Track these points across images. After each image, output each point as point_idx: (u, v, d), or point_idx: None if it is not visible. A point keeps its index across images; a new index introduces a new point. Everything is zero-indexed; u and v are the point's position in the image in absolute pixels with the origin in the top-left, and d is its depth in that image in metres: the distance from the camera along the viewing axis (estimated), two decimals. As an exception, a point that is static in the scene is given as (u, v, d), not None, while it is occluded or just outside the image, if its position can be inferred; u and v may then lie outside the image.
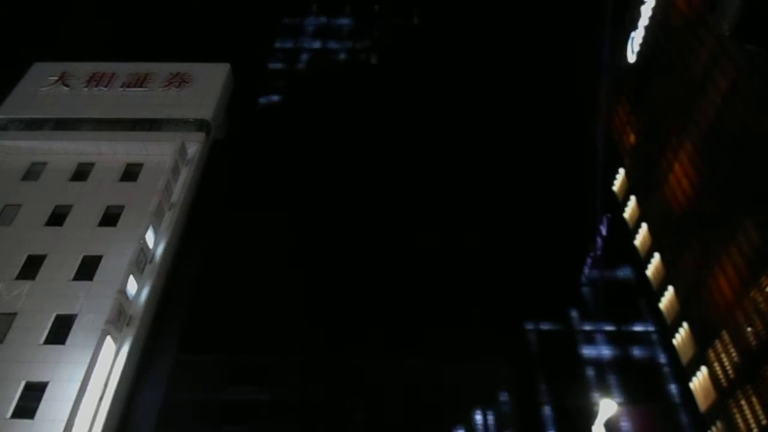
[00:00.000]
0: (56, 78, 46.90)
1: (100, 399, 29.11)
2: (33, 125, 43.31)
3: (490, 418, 30.82)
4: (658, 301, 35.26)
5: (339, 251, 37.94)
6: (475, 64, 53.27)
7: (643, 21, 40.48)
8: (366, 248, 38.13)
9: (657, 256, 36.25)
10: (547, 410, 31.11)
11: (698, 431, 29.85)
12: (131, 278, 33.10)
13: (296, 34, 57.04)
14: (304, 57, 54.29)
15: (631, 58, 42.38)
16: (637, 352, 33.17)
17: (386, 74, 52.40)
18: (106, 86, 46.44)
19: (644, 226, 38.27)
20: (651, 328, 34.04)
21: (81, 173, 40.41)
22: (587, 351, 33.23)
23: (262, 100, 49.67)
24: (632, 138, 42.16)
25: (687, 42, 35.10)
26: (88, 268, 34.25)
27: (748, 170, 28.45)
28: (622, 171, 42.77)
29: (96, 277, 33.80)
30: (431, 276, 36.31)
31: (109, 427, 29.17)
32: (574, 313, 34.85)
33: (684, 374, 31.88)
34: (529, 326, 34.19)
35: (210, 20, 60.64)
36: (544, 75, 51.50)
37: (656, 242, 36.73)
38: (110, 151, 41.35)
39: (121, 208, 37.70)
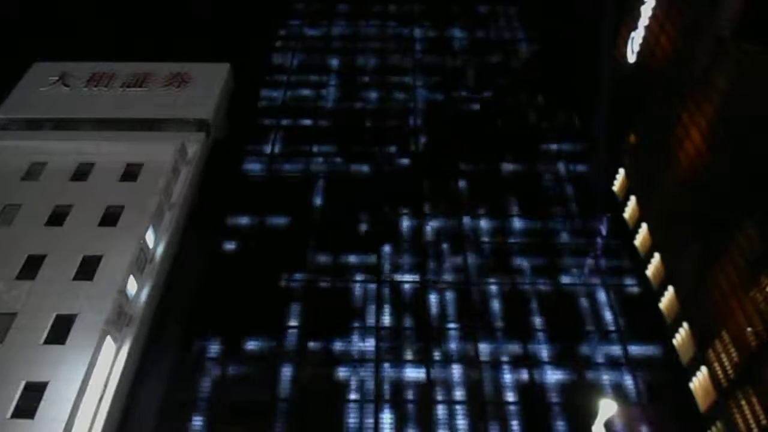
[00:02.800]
0: (56, 78, 46.99)
1: (100, 399, 29.16)
2: (33, 125, 43.40)
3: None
4: (658, 300, 35.27)
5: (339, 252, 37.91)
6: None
7: (643, 21, 40.49)
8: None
9: (657, 256, 36.25)
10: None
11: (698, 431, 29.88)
12: (131, 278, 33.15)
13: (297, 32, 57.14)
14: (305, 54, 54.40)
15: (631, 58, 42.38)
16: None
17: (384, 68, 52.69)
18: (106, 86, 46.55)
19: (644, 226, 38.27)
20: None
21: (81, 173, 40.40)
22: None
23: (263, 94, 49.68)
24: (632, 138, 42.17)
25: (687, 42, 35.11)
26: (88, 268, 34.18)
27: (748, 170, 28.46)
28: (622, 171, 42.78)
29: (96, 277, 33.76)
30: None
31: (109, 426, 29.22)
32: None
33: (684, 374, 31.88)
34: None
35: (210, 20, 60.65)
36: (544, 74, 51.75)
37: (656, 242, 36.73)
38: (110, 151, 41.34)
39: (121, 208, 37.68)
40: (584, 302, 35.04)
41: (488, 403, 30.84)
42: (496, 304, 35.02)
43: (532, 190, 41.34)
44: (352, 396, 31.13)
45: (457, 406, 30.76)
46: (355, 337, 33.31)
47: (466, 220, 39.37)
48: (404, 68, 52.31)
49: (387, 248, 37.75)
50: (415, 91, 49.83)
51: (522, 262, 37.02)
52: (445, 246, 38.02)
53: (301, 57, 53.72)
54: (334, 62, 53.07)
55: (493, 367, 32.16)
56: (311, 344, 33.06)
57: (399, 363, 32.45)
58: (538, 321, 34.20)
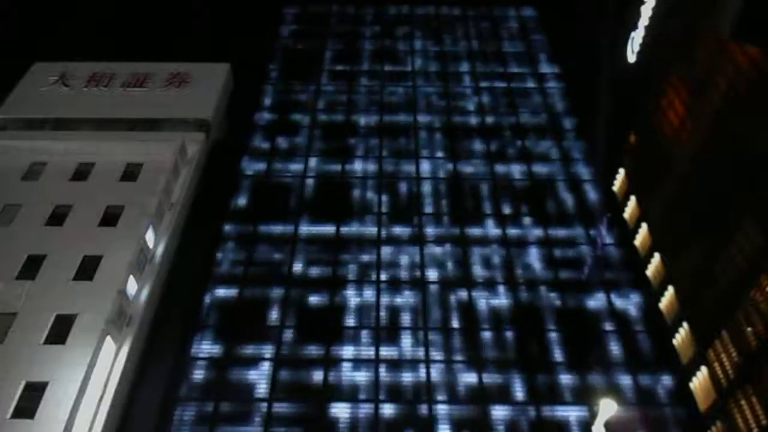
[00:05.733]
0: (56, 78, 47.03)
1: (100, 399, 29.15)
2: (33, 125, 43.44)
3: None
4: (658, 300, 35.26)
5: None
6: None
7: (643, 21, 40.46)
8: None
9: (657, 256, 36.24)
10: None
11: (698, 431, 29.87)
12: (131, 278, 33.16)
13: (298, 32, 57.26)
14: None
15: (631, 58, 42.36)
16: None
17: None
18: (106, 86, 46.60)
19: (644, 226, 38.26)
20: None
21: (81, 173, 40.47)
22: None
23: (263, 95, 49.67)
24: (632, 138, 42.15)
25: (687, 42, 35.09)
26: (88, 268, 34.25)
27: (748, 170, 28.44)
28: (622, 171, 42.76)
29: (96, 277, 33.80)
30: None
31: (109, 427, 29.23)
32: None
33: (684, 374, 31.86)
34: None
35: (210, 20, 60.67)
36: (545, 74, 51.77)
37: (656, 242, 36.73)
38: (110, 151, 41.40)
39: (121, 208, 37.73)
40: (583, 302, 35.16)
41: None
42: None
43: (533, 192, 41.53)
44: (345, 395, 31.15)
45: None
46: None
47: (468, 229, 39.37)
48: (404, 72, 52.48)
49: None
50: (416, 91, 49.97)
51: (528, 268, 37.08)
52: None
53: (300, 57, 53.89)
54: (333, 62, 53.26)
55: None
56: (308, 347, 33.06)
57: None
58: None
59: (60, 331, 31.24)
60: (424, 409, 30.47)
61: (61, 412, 27.53)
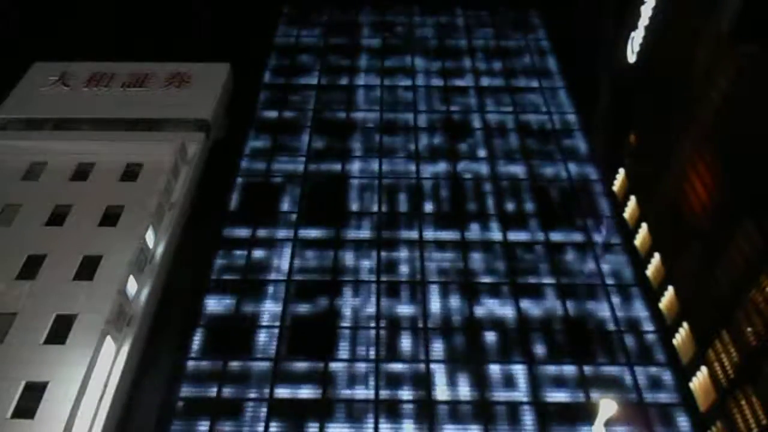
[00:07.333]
0: (56, 78, 47.07)
1: (100, 399, 29.15)
2: (33, 125, 43.43)
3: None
4: (658, 301, 35.28)
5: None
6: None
7: (643, 21, 40.52)
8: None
9: (657, 256, 36.26)
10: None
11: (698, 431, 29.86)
12: (131, 278, 33.17)
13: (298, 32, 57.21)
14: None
15: (631, 58, 42.41)
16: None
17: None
18: (106, 86, 46.62)
19: (644, 226, 38.28)
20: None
21: (81, 173, 40.45)
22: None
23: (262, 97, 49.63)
24: (632, 138, 42.19)
25: (687, 42, 35.12)
26: (88, 268, 34.20)
27: (748, 170, 28.47)
28: (622, 171, 42.78)
29: (96, 277, 33.78)
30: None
31: (109, 427, 29.22)
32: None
33: (684, 374, 31.87)
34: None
35: (210, 20, 60.72)
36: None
37: (656, 242, 36.74)
38: (110, 151, 41.36)
39: (121, 208, 37.71)
40: (585, 302, 35.18)
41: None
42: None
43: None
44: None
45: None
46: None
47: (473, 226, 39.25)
48: (404, 70, 52.35)
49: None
50: (416, 89, 49.92)
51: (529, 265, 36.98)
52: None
53: (299, 56, 53.90)
54: (333, 60, 53.24)
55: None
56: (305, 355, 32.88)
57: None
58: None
59: (60, 331, 31.19)
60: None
61: (61, 412, 27.49)
